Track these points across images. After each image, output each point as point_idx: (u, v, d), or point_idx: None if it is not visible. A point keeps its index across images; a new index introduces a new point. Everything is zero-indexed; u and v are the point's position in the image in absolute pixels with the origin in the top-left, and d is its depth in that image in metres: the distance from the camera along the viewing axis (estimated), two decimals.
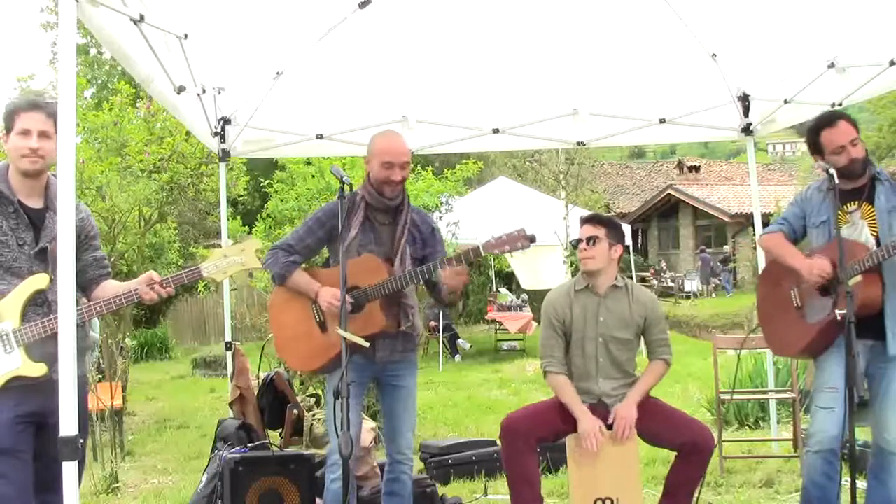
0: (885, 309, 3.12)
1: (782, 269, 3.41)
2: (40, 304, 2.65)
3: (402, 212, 3.35)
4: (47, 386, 2.51)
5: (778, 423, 5.53)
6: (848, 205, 3.28)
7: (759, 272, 3.89)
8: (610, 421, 3.47)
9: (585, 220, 3.69)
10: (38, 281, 2.65)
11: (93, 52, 19.81)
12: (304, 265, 3.41)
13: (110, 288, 2.84)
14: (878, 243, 3.17)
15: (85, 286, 2.86)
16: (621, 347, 3.57)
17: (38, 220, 2.71)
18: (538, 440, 3.52)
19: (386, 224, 3.35)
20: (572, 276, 13.60)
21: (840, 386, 3.15)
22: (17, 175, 2.70)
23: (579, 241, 3.63)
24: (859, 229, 3.24)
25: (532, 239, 3.13)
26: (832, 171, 3.12)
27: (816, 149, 3.34)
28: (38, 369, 2.58)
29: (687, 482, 3.46)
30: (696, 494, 3.53)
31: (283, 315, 3.40)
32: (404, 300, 3.31)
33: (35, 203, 2.73)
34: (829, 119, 3.33)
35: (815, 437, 3.21)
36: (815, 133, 3.34)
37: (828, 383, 3.22)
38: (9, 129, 2.68)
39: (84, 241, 2.83)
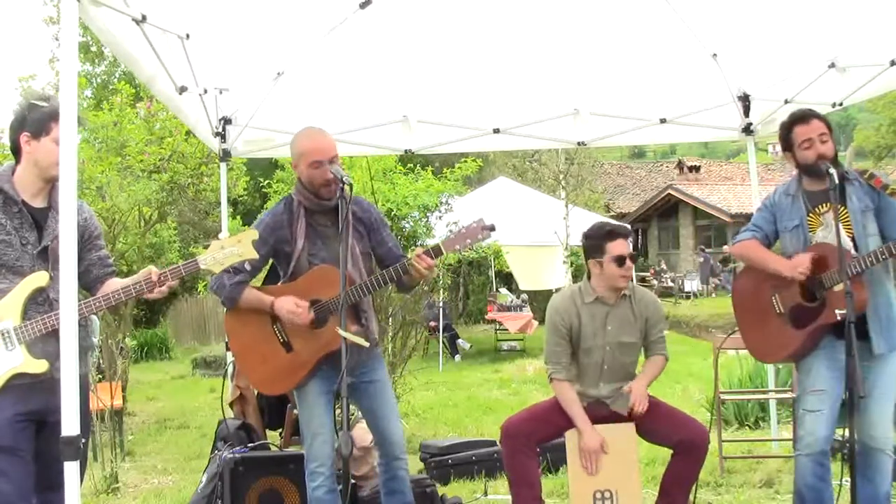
0: (867, 310, 3.13)
1: (760, 276, 3.39)
2: (41, 302, 2.66)
3: (340, 211, 3.17)
4: (48, 384, 2.52)
5: (778, 423, 5.53)
6: (819, 207, 3.28)
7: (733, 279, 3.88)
8: (627, 389, 3.48)
9: (621, 235, 3.55)
10: (38, 279, 2.66)
11: (93, 49, 19.79)
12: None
13: (113, 285, 2.83)
14: (854, 244, 3.17)
15: (90, 285, 2.87)
16: (627, 351, 3.58)
17: (41, 220, 2.73)
18: (539, 442, 3.52)
19: (329, 226, 3.20)
20: (573, 276, 13.59)
21: (827, 387, 3.20)
22: (31, 176, 2.72)
23: (622, 260, 3.48)
24: (834, 231, 3.23)
25: (492, 228, 3.03)
26: (832, 171, 3.12)
27: (788, 144, 3.35)
28: (39, 366, 2.59)
29: (683, 480, 3.47)
30: (692, 493, 3.54)
31: (243, 338, 3.25)
32: (360, 305, 3.21)
33: (39, 203, 2.75)
34: (802, 116, 3.35)
35: (805, 440, 3.22)
36: (787, 128, 3.36)
37: (814, 386, 3.23)
38: (40, 133, 2.67)
39: (87, 240, 2.84)
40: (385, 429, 3.29)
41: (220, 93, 4.61)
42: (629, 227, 3.74)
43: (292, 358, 3.17)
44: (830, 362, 3.22)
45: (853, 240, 3.19)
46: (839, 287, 3.09)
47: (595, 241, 3.57)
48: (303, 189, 3.20)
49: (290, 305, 3.09)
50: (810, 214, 3.31)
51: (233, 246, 2.81)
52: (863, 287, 3.12)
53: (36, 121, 2.68)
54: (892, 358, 3.16)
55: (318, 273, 3.14)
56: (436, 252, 3.10)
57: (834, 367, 3.21)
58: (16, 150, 2.74)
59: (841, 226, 3.20)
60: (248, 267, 3.13)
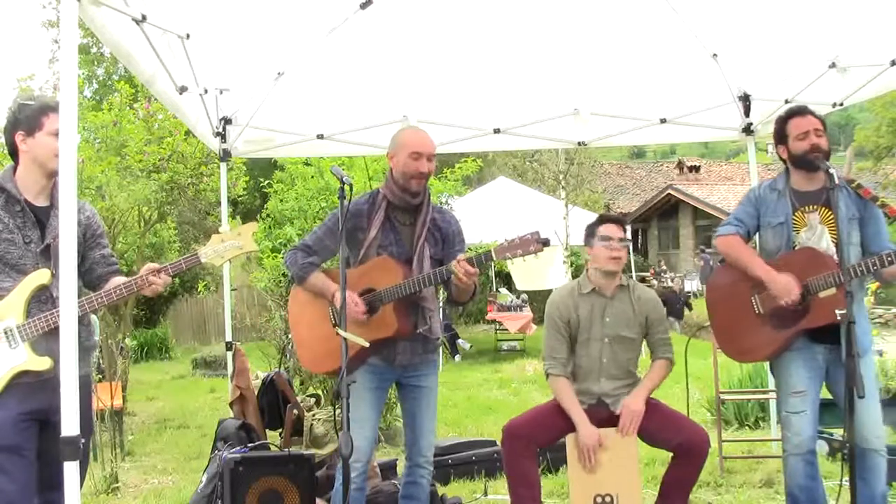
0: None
1: (738, 274, 3.37)
2: (44, 300, 2.68)
3: (422, 211, 3.29)
4: (51, 383, 2.52)
5: (778, 422, 5.52)
6: (807, 207, 3.28)
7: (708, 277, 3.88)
8: (617, 412, 3.49)
9: (611, 220, 3.64)
10: (40, 277, 2.67)
11: (94, 50, 19.79)
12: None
13: (116, 283, 2.83)
14: (838, 250, 3.15)
15: (94, 284, 2.88)
16: (625, 347, 3.58)
17: (43, 218, 2.75)
18: (539, 445, 3.53)
19: (407, 224, 3.29)
20: (572, 276, 13.60)
21: (807, 388, 3.23)
22: (33, 174, 2.73)
23: (608, 238, 3.55)
24: (818, 234, 3.23)
25: (546, 242, 3.00)
26: (833, 170, 3.12)
27: (782, 136, 3.36)
28: (43, 363, 2.60)
29: (682, 483, 3.47)
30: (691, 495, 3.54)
31: (301, 316, 3.39)
32: (422, 303, 3.24)
33: (42, 202, 2.77)
34: (799, 109, 3.38)
35: (793, 441, 3.25)
36: (783, 120, 3.37)
37: (795, 388, 3.26)
38: (33, 129, 2.69)
39: (91, 239, 2.86)
40: (418, 435, 3.34)
41: (221, 93, 4.62)
42: (621, 217, 3.75)
43: (339, 341, 3.19)
44: (806, 363, 3.24)
45: (836, 246, 3.17)
46: (827, 292, 3.10)
47: (590, 228, 3.67)
48: (392, 182, 3.27)
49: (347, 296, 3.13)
50: (796, 213, 3.30)
51: (233, 239, 2.83)
52: (843, 292, 3.10)
53: (27, 118, 2.70)
54: (866, 360, 3.16)
55: (375, 263, 3.20)
56: (486, 258, 3.08)
57: (811, 368, 3.24)
58: (13, 152, 2.76)
59: (826, 229, 3.20)
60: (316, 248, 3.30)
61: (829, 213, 3.21)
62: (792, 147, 3.31)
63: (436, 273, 3.13)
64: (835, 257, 3.15)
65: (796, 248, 3.29)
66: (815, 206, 3.28)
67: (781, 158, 3.42)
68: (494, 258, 3.07)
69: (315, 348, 3.36)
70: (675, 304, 16.52)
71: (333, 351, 3.20)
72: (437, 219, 3.36)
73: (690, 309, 16.24)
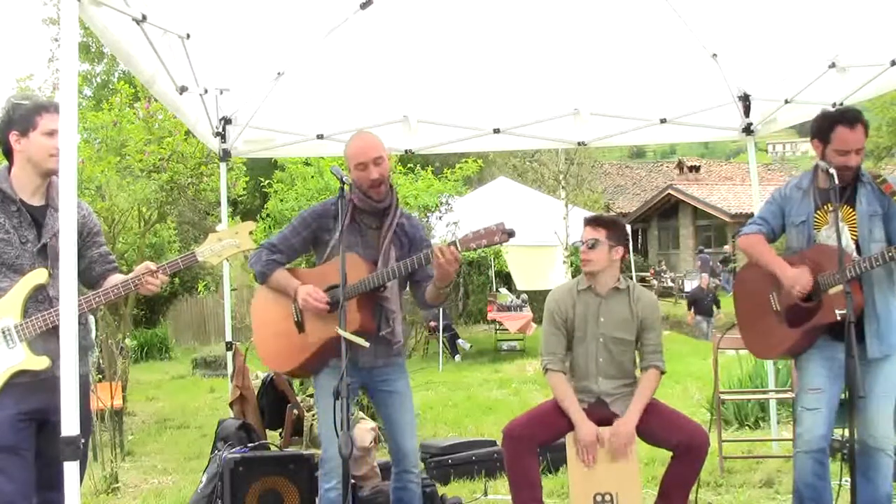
0: (865, 314, 3.15)
1: (761, 272, 3.40)
2: (41, 300, 2.67)
3: (388, 215, 3.29)
4: (49, 383, 2.52)
5: (778, 423, 5.54)
6: (828, 205, 3.26)
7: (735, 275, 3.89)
8: (608, 434, 3.48)
9: (587, 222, 3.68)
10: (37, 276, 2.67)
11: (93, 49, 19.80)
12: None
13: (114, 281, 2.83)
14: (858, 247, 3.18)
15: (93, 282, 2.88)
16: (621, 348, 3.58)
17: (39, 218, 2.74)
18: (540, 444, 3.53)
19: (373, 227, 3.28)
20: (573, 276, 13.66)
21: (824, 386, 3.22)
22: (28, 174, 2.73)
23: (583, 242, 3.62)
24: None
25: (510, 233, 2.99)
26: (832, 170, 3.12)
27: (823, 136, 3.22)
28: (41, 363, 2.60)
29: (682, 483, 3.47)
30: (692, 495, 3.53)
31: (265, 314, 3.36)
32: (385, 304, 3.22)
33: (37, 201, 2.77)
34: (852, 118, 3.19)
35: (804, 438, 3.24)
36: (830, 123, 3.21)
37: (811, 385, 3.25)
38: (27, 129, 2.69)
39: (87, 237, 2.86)
40: (399, 441, 3.32)
41: (221, 93, 4.61)
42: (608, 217, 3.75)
43: (302, 338, 3.22)
44: (826, 361, 3.23)
45: (857, 243, 3.19)
46: (836, 289, 3.10)
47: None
48: (356, 189, 3.27)
49: (305, 294, 3.15)
50: (818, 211, 3.30)
51: (230, 238, 2.82)
52: (860, 290, 3.14)
53: (21, 118, 2.69)
54: (890, 360, 3.17)
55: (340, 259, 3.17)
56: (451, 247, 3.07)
57: (830, 367, 3.22)
58: (8, 152, 2.75)
59: (846, 227, 3.20)
60: (282, 248, 3.28)
61: (852, 210, 3.22)
62: (829, 155, 3.21)
63: (397, 266, 3.10)
64: (855, 255, 3.16)
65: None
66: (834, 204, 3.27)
67: (815, 149, 3.31)
68: (459, 248, 3.02)
69: (274, 346, 3.32)
70: (704, 301, 16.07)
71: (292, 350, 3.24)
72: (405, 224, 3.35)
73: (719, 307, 15.86)
